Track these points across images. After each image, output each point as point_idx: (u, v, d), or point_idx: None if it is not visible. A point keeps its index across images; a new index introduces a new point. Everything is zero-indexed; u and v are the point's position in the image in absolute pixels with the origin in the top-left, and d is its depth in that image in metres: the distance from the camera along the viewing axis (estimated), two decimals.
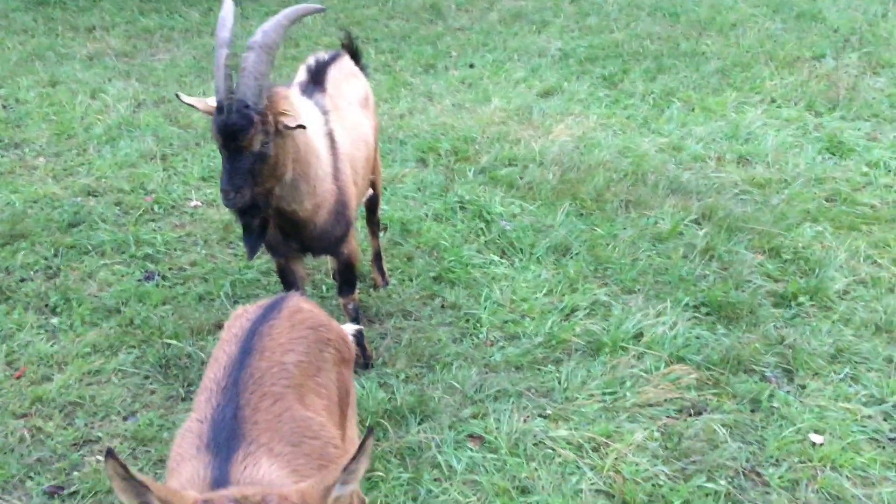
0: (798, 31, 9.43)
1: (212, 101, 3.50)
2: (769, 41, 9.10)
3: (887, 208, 5.84)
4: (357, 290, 4.30)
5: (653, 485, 3.65)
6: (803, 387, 4.22)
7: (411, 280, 5.12)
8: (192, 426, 2.29)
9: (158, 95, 7.85)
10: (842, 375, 4.28)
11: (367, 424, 1.79)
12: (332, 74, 4.29)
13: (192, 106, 3.60)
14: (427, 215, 5.77)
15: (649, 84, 8.11)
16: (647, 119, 7.39)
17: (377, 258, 5.08)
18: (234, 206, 3.53)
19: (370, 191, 4.79)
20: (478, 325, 4.72)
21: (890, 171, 6.38)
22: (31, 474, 3.66)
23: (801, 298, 4.82)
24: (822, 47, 8.79)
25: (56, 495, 3.56)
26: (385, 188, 6.03)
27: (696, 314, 4.74)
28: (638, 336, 4.56)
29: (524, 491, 3.62)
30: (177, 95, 3.86)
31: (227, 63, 3.42)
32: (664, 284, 5.00)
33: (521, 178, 6.26)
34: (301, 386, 2.49)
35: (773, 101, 7.66)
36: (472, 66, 8.81)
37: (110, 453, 1.70)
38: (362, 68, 4.80)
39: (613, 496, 3.61)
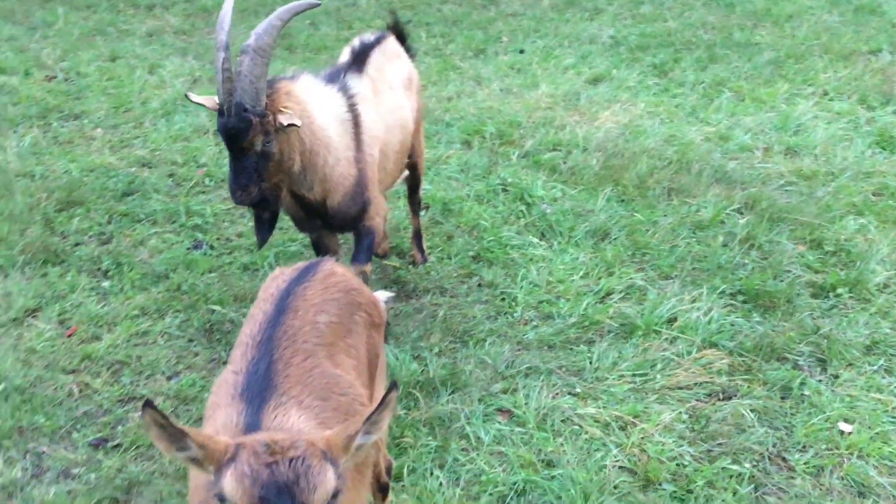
0: (855, 24, 9.27)
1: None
2: (825, 34, 8.96)
3: None
4: (370, 265, 4.32)
5: (677, 464, 3.69)
6: (836, 376, 4.21)
7: (450, 258, 5.20)
8: (227, 377, 2.41)
9: (213, 73, 8.03)
10: (876, 367, 4.27)
11: (393, 384, 1.81)
12: (375, 57, 4.35)
13: (202, 105, 3.71)
14: (469, 196, 5.85)
15: (700, 74, 8.06)
16: (695, 108, 7.36)
17: (417, 236, 5.17)
18: (241, 203, 3.68)
19: (406, 172, 4.88)
20: (513, 304, 4.79)
21: None
22: (78, 427, 3.84)
23: (840, 290, 4.80)
24: (879, 41, 8.64)
25: (100, 447, 3.74)
26: (428, 168, 6.11)
27: (732, 301, 4.75)
28: (672, 321, 4.59)
29: (549, 464, 3.70)
30: (186, 96, 3.96)
31: (226, 66, 3.50)
32: (701, 271, 5.01)
33: (564, 162, 6.30)
34: (332, 345, 2.60)
35: (826, 93, 7.56)
36: (522, 51, 8.84)
37: (148, 403, 1.78)
38: (408, 50, 4.88)
39: (637, 473, 3.67)
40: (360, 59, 4.28)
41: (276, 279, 2.78)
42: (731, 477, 3.63)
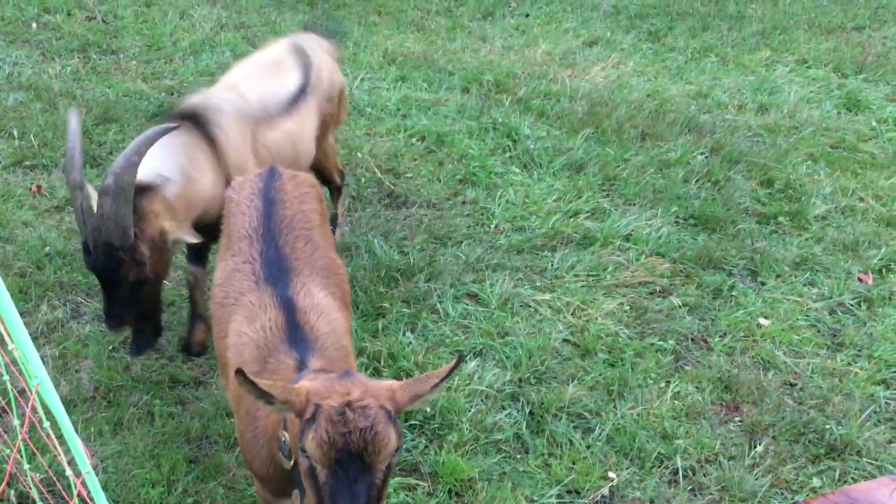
0: (845, 2, 9.80)
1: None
2: (815, 10, 9.51)
3: (885, 157, 6.34)
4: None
5: (613, 340, 4.34)
6: (763, 283, 4.84)
7: (439, 180, 5.85)
8: (240, 267, 2.75)
9: (239, 20, 8.71)
10: (801, 279, 4.89)
11: (459, 357, 2.14)
12: (262, 90, 4.10)
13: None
14: (461, 131, 6.48)
15: (690, 41, 8.64)
16: (681, 70, 7.95)
17: (333, 224, 4.95)
18: (116, 332, 3.62)
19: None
20: (491, 217, 5.44)
21: None
22: None
23: (781, 218, 5.42)
24: (863, 18, 9.18)
25: None
26: (427, 109, 6.76)
27: (683, 223, 5.38)
28: (628, 236, 5.22)
29: (504, 335, 4.35)
30: None
31: (86, 205, 3.27)
32: (661, 200, 5.64)
33: (552, 108, 6.92)
34: (316, 229, 3.04)
35: (805, 61, 8.13)
36: (527, 15, 9.44)
37: (239, 371, 2.00)
38: (336, 46, 4.78)
39: (578, 346, 4.32)
40: (230, 86, 4.09)
41: (244, 184, 3.11)
42: (657, 351, 4.28)
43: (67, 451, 2.63)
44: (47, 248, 4.67)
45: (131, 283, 3.40)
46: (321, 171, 4.77)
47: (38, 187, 5.33)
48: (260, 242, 2.82)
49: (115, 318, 3.48)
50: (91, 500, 1.94)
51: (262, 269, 2.72)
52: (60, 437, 2.16)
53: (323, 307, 2.65)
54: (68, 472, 1.98)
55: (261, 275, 2.70)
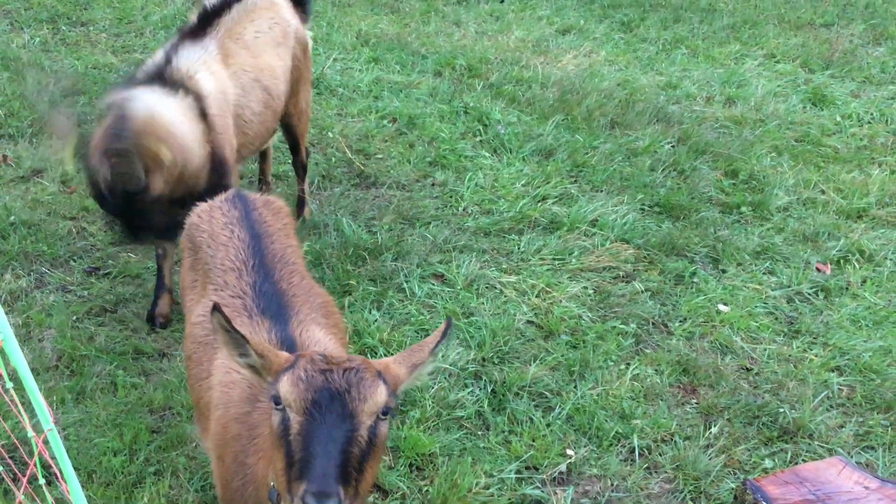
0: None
1: None
2: (784, 5, 9.63)
3: (848, 151, 6.46)
4: None
5: (576, 323, 4.41)
6: (724, 271, 4.93)
7: (409, 162, 5.88)
8: (227, 302, 2.52)
9: None
10: (761, 268, 4.99)
11: (448, 321, 2.11)
12: (231, 15, 4.15)
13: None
14: (433, 114, 6.51)
15: (662, 32, 8.72)
16: (652, 60, 8.03)
17: (300, 204, 5.10)
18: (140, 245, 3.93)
19: (273, 136, 4.80)
20: (459, 199, 5.48)
21: (862, 122, 6.97)
22: (75, 258, 4.53)
23: (744, 208, 5.52)
24: (832, 16, 9.31)
25: (93, 274, 4.42)
26: (399, 91, 6.78)
27: (649, 210, 5.46)
28: (594, 222, 5.29)
29: (469, 315, 4.41)
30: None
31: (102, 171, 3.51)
32: (627, 187, 5.71)
33: (523, 95, 6.96)
34: (303, 266, 2.92)
35: (773, 56, 8.24)
36: (501, 1, 9.46)
37: (216, 307, 1.89)
38: (302, 5, 4.69)
39: (542, 327, 4.38)
40: (202, 24, 4.10)
41: (213, 212, 2.91)
42: (618, 334, 4.36)
43: (33, 416, 2.64)
44: (12, 218, 4.64)
45: (149, 208, 3.60)
46: (293, 135, 4.81)
47: (4, 157, 5.29)
48: (252, 275, 2.64)
49: (139, 238, 3.76)
50: (53, 459, 1.96)
51: (256, 302, 2.53)
52: (25, 402, 2.17)
53: (324, 346, 2.45)
54: (31, 433, 1.99)
55: (254, 309, 2.51)
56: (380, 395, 1.83)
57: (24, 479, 1.84)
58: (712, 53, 8.22)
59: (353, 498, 1.81)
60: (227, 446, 2.28)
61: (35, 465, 1.91)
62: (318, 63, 6.97)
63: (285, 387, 1.82)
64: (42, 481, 2.16)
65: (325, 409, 1.77)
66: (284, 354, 1.98)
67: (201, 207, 2.98)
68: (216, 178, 3.86)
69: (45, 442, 1.87)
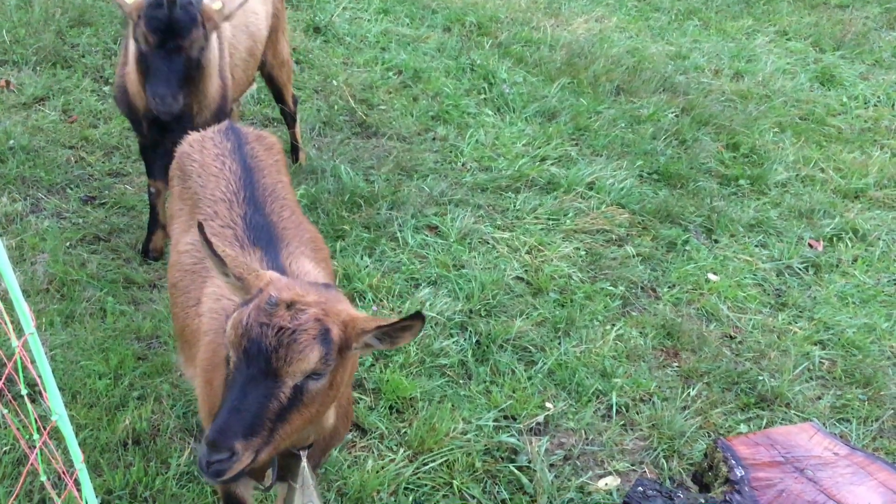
0: None
1: None
2: None
3: (851, 132, 6.45)
4: None
5: (565, 282, 4.44)
6: (717, 241, 4.96)
7: (412, 115, 5.87)
8: (217, 231, 2.53)
9: None
10: (754, 241, 5.01)
11: (419, 315, 2.05)
12: None
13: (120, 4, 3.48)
14: (439, 69, 6.49)
15: (676, 2, 8.65)
16: (663, 30, 7.98)
17: (293, 150, 5.11)
18: (169, 110, 3.40)
19: (254, 85, 4.78)
20: (459, 155, 5.48)
21: (868, 104, 6.96)
22: (72, 186, 4.55)
23: (742, 181, 5.52)
24: None
25: (89, 203, 4.45)
26: (407, 45, 6.75)
27: (647, 177, 5.47)
28: (591, 185, 5.30)
29: (460, 268, 4.43)
30: None
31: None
32: (628, 153, 5.71)
33: (531, 55, 6.93)
34: (294, 201, 2.91)
35: (785, 33, 8.18)
36: None
37: (200, 226, 1.93)
38: None
39: (531, 284, 4.41)
40: None
41: (204, 143, 2.90)
42: (606, 296, 4.39)
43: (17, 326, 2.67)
44: (11, 143, 4.65)
45: (190, 62, 3.40)
46: (276, 85, 4.76)
47: (7, 82, 5.28)
48: (242, 207, 2.63)
49: (173, 95, 3.37)
50: (32, 363, 1.99)
51: (247, 233, 2.54)
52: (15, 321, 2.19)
53: (313, 278, 2.44)
54: (14, 341, 2.01)
55: (245, 240, 2.51)
56: (309, 360, 1.83)
57: (1, 381, 1.87)
58: (724, 26, 8.16)
59: (266, 444, 1.85)
60: (217, 370, 2.30)
61: (15, 370, 1.95)
62: (328, 11, 6.94)
63: (230, 323, 1.86)
64: (25, 391, 2.19)
65: (251, 362, 1.81)
66: (266, 277, 1.98)
67: (193, 137, 2.96)
68: (219, 113, 3.83)
69: (25, 346, 1.90)
